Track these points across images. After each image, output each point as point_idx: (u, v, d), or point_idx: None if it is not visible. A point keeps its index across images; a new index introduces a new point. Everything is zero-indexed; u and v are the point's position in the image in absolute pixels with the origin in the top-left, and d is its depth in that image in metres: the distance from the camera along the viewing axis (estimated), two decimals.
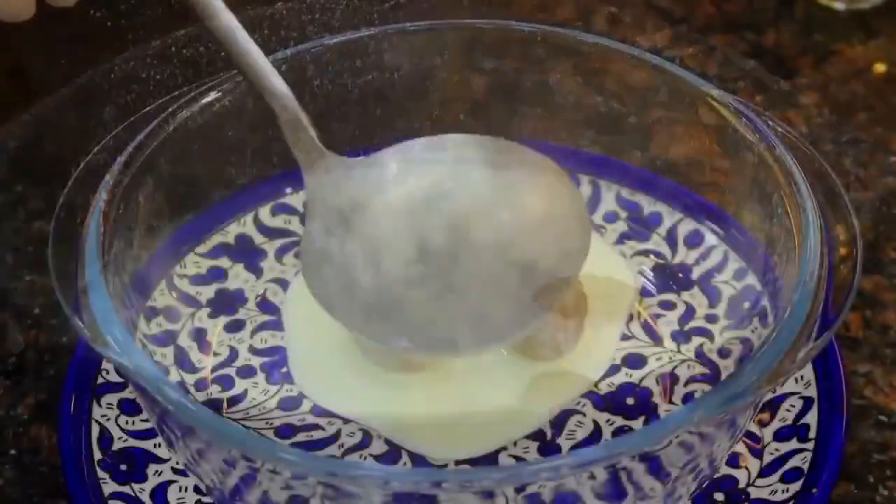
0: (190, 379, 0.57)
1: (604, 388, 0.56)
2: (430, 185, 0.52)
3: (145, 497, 0.52)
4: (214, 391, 0.56)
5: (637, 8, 0.80)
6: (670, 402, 0.55)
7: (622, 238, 0.62)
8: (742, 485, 0.52)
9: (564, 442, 0.54)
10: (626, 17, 0.79)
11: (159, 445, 0.54)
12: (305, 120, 0.50)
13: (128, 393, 0.55)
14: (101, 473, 0.52)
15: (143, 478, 0.53)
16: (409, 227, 0.52)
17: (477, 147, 0.53)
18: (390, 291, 0.51)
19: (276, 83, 0.50)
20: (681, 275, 0.60)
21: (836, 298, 0.49)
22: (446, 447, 0.54)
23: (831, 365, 0.55)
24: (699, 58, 0.76)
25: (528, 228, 0.52)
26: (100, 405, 0.55)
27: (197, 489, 0.52)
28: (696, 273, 0.60)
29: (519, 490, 0.45)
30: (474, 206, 0.52)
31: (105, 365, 0.56)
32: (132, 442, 0.54)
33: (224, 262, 0.61)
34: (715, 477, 0.52)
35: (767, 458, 0.53)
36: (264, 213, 0.63)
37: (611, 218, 0.63)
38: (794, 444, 0.53)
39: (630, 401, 0.55)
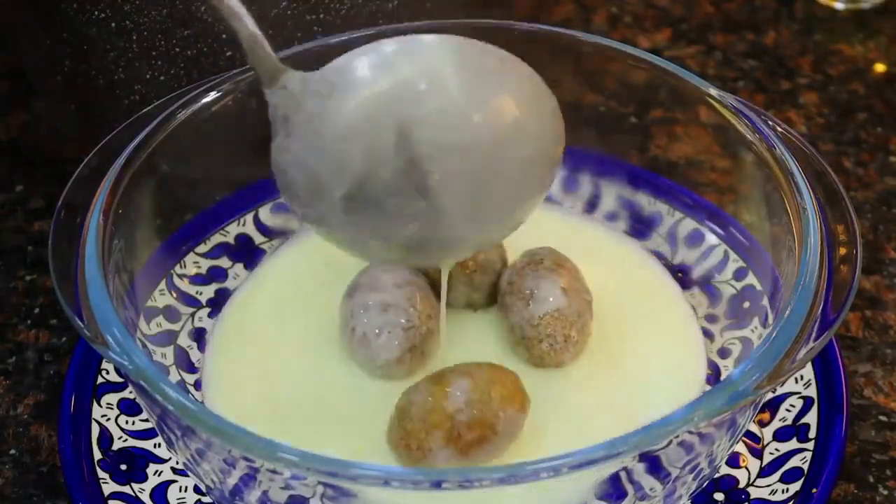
0: (190, 379, 0.57)
1: None
2: (396, 86, 0.50)
3: (145, 497, 0.52)
4: None
5: (637, 8, 0.80)
6: None
7: (622, 238, 0.62)
8: (742, 485, 0.52)
9: None
10: (626, 17, 0.79)
11: (159, 445, 0.54)
12: (262, 38, 0.50)
13: (128, 393, 0.55)
14: (101, 473, 0.52)
15: (143, 478, 0.53)
16: (375, 127, 0.49)
17: (446, 50, 0.50)
18: (366, 192, 0.49)
19: (234, 4, 0.50)
20: (681, 275, 0.60)
21: (836, 298, 0.49)
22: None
23: (831, 365, 0.55)
24: (699, 58, 0.76)
25: (500, 128, 0.50)
26: (100, 405, 0.55)
27: (197, 489, 0.52)
28: (696, 273, 0.60)
29: None
30: (441, 109, 0.49)
31: (105, 365, 0.56)
32: (132, 442, 0.54)
33: (224, 262, 0.61)
34: (715, 477, 0.52)
35: (767, 458, 0.53)
36: (264, 213, 0.63)
37: (611, 218, 0.63)
38: (794, 444, 0.53)
39: None
